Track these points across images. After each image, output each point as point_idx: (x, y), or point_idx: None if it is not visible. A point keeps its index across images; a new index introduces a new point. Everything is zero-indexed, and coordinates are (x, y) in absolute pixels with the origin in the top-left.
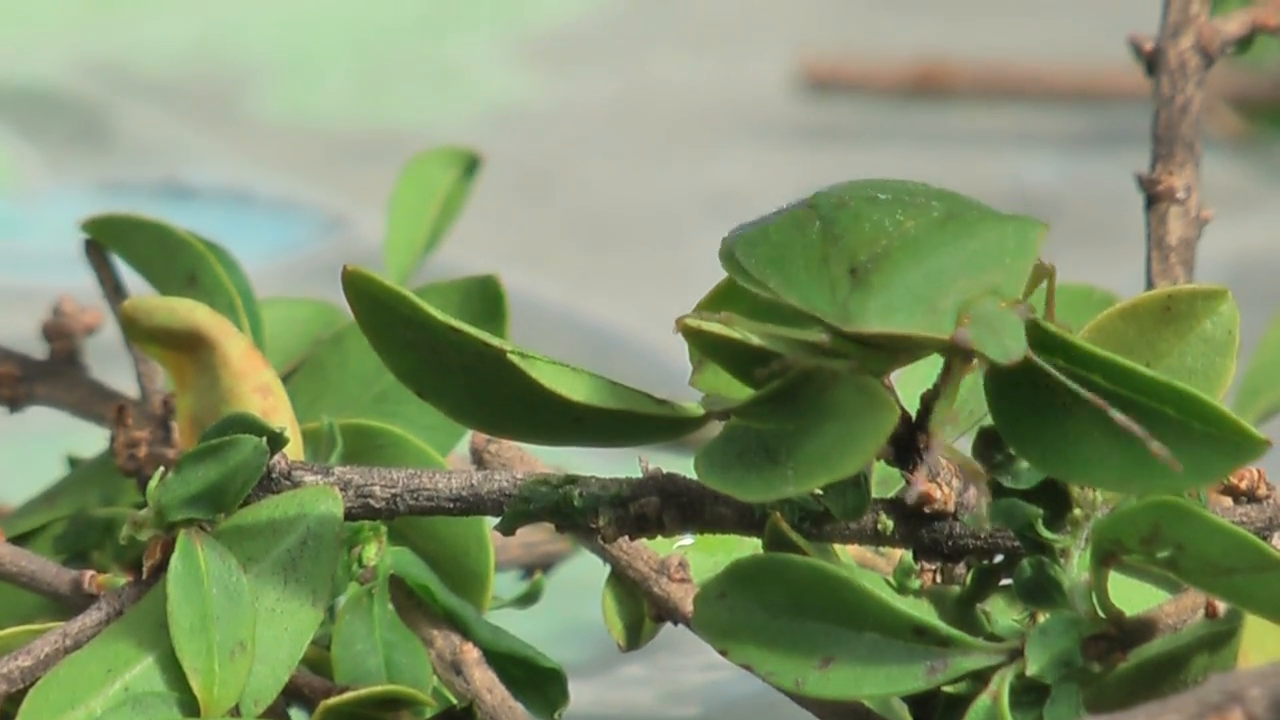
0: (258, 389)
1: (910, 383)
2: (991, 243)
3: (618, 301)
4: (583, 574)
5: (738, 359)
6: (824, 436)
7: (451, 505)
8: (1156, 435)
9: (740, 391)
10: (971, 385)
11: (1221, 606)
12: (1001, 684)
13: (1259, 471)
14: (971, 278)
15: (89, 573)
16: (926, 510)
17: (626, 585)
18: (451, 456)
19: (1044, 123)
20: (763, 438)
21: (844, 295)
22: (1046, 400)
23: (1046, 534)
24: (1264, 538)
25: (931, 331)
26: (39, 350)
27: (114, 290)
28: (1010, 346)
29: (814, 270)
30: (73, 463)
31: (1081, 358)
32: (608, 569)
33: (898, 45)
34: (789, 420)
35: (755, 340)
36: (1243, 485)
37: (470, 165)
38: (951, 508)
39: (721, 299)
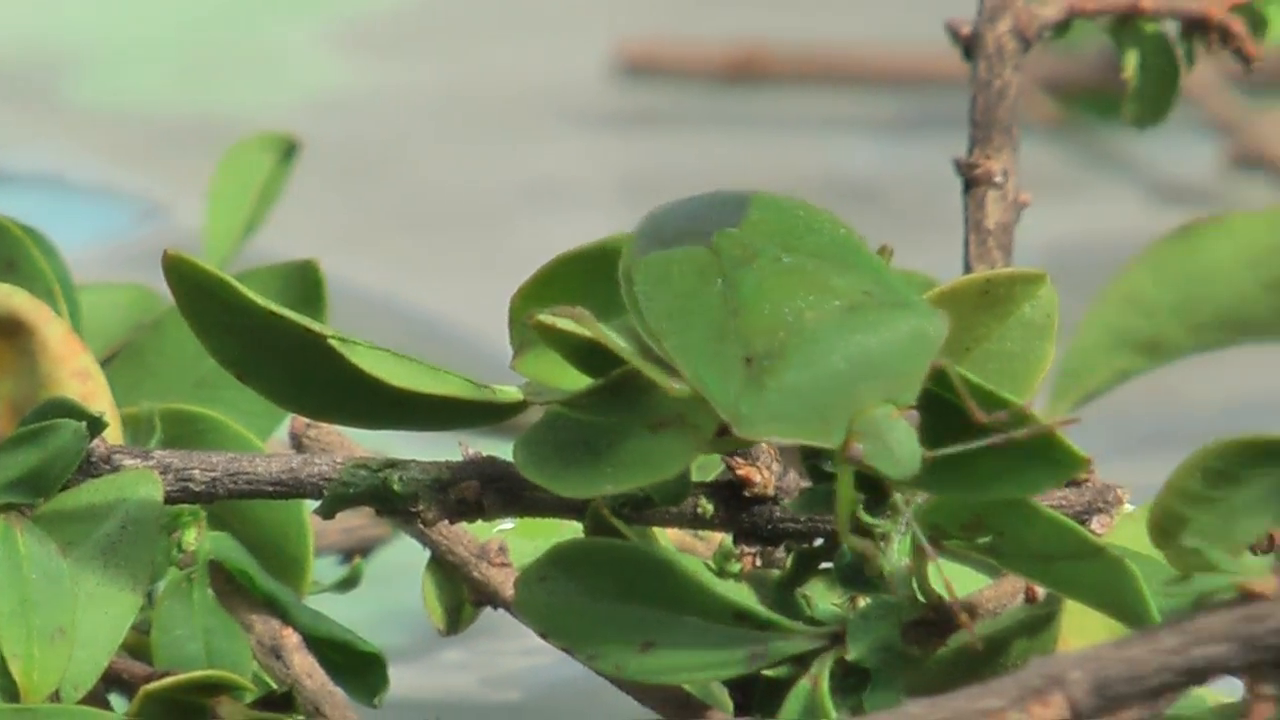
0: (76, 374)
1: None
2: (890, 342)
3: (437, 287)
4: (402, 559)
5: (581, 355)
6: (644, 439)
7: (271, 489)
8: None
9: (561, 378)
10: None
11: (1041, 591)
12: (822, 669)
13: None
14: (866, 383)
15: None
16: (746, 494)
17: (446, 570)
18: (272, 441)
19: (861, 107)
20: (583, 430)
21: (737, 389)
22: None
23: (867, 519)
24: (1083, 522)
25: (821, 443)
26: None
27: None
28: (903, 461)
29: (711, 345)
30: None
31: None
32: (427, 554)
33: (716, 31)
34: (612, 414)
35: (610, 343)
36: None
37: (288, 151)
38: (771, 491)
39: (545, 283)
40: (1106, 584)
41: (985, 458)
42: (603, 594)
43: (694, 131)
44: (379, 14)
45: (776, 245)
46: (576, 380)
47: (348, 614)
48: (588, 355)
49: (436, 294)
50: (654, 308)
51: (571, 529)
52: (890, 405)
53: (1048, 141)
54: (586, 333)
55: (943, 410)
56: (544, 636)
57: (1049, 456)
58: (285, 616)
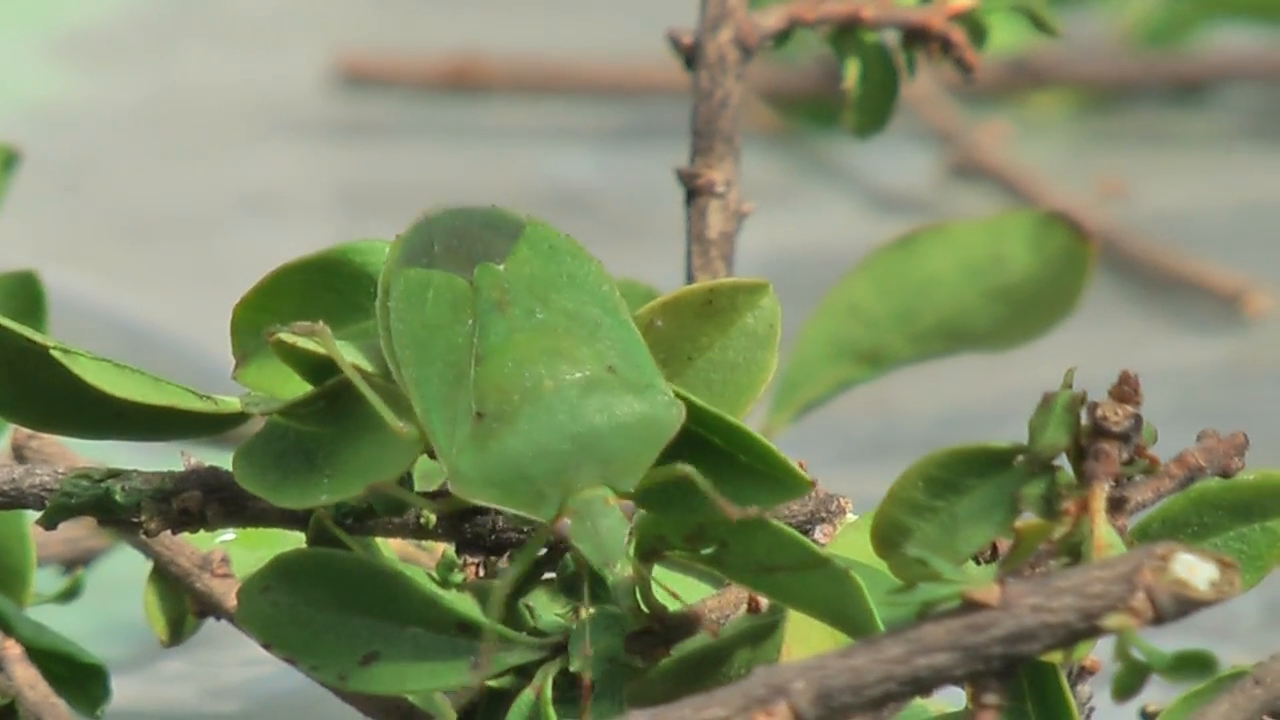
0: None
1: None
2: (620, 428)
3: (155, 299)
4: (123, 570)
5: (314, 370)
6: (361, 445)
7: None
8: (700, 463)
9: (283, 388)
10: None
11: (764, 601)
12: (545, 679)
13: (800, 464)
14: (587, 466)
15: None
16: (469, 505)
17: (168, 581)
18: None
19: (579, 117)
20: (302, 440)
21: (459, 443)
22: None
23: None
24: (806, 531)
25: (531, 514)
26: None
27: None
28: (608, 549)
29: (447, 388)
30: None
31: None
32: (150, 565)
33: (433, 40)
34: (329, 424)
35: (345, 367)
36: None
37: (7, 161)
38: None
39: (267, 293)
40: (830, 595)
41: (709, 476)
42: (324, 605)
43: (412, 141)
44: (93, 24)
45: (534, 296)
46: (299, 390)
47: (69, 625)
48: (320, 370)
49: (155, 305)
50: (402, 330)
51: (295, 539)
52: (607, 490)
53: (766, 151)
54: (323, 351)
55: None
56: (267, 647)
57: (773, 478)
58: (7, 628)
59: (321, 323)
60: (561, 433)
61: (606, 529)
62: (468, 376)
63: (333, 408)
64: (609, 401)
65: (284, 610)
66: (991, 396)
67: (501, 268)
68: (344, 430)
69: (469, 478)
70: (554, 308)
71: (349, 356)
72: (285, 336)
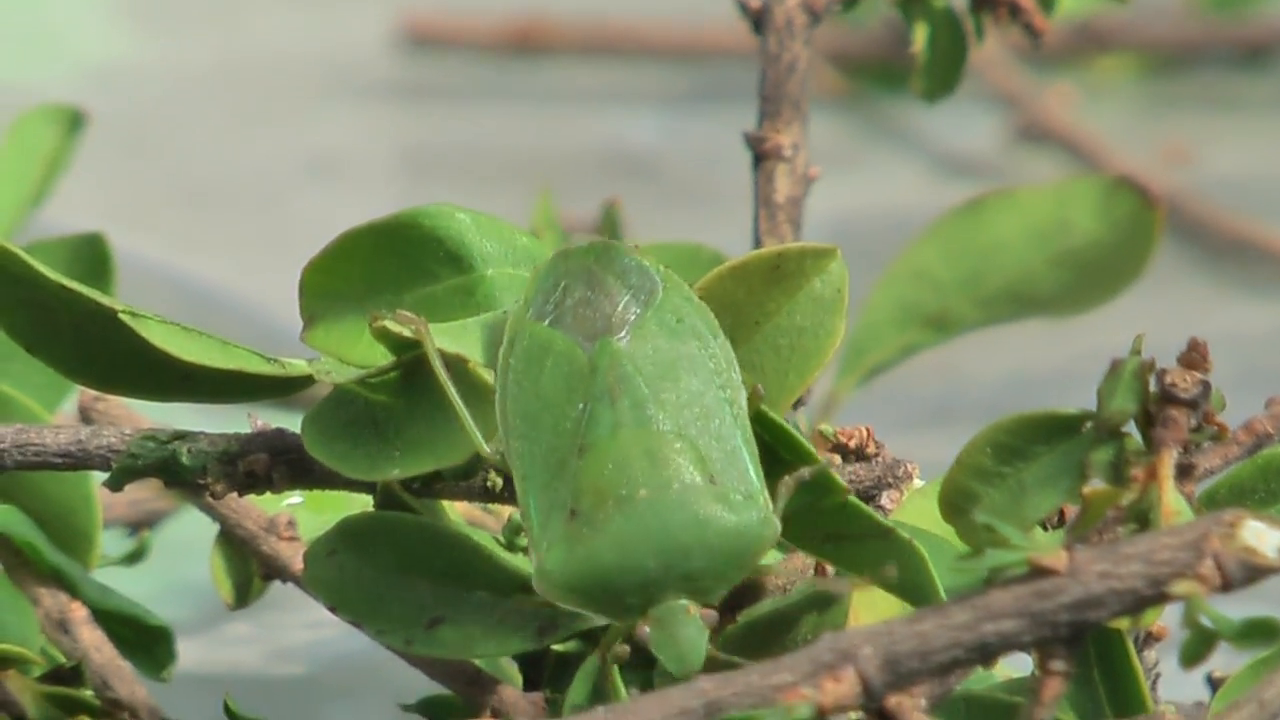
0: None
1: None
2: (710, 546)
3: (221, 261)
4: (189, 532)
5: (396, 345)
6: (435, 422)
7: (59, 461)
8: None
9: (351, 351)
10: None
11: (830, 567)
12: (611, 644)
13: (867, 429)
14: (673, 583)
15: None
16: None
17: (235, 544)
18: (59, 414)
19: (644, 80)
20: (372, 409)
21: (550, 538)
22: None
23: None
24: (872, 496)
25: (612, 620)
26: None
27: None
28: (687, 659)
29: (548, 474)
30: None
31: None
32: (215, 527)
33: (498, 2)
34: (401, 396)
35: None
36: (852, 444)
37: (74, 123)
38: None
39: (336, 257)
40: (895, 566)
41: None
42: (390, 568)
43: (476, 103)
44: None
45: (649, 385)
46: (366, 355)
47: (135, 588)
48: (401, 344)
49: (220, 267)
50: (518, 395)
51: (361, 502)
52: (689, 602)
53: (834, 115)
54: (410, 338)
55: None
56: (332, 610)
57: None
58: (73, 590)
59: (423, 318)
60: (650, 547)
61: (686, 639)
62: (569, 467)
63: (408, 381)
64: (703, 518)
65: (350, 574)
66: (1058, 362)
67: (625, 342)
68: (417, 405)
69: (554, 580)
70: (665, 402)
71: (444, 344)
72: (389, 324)
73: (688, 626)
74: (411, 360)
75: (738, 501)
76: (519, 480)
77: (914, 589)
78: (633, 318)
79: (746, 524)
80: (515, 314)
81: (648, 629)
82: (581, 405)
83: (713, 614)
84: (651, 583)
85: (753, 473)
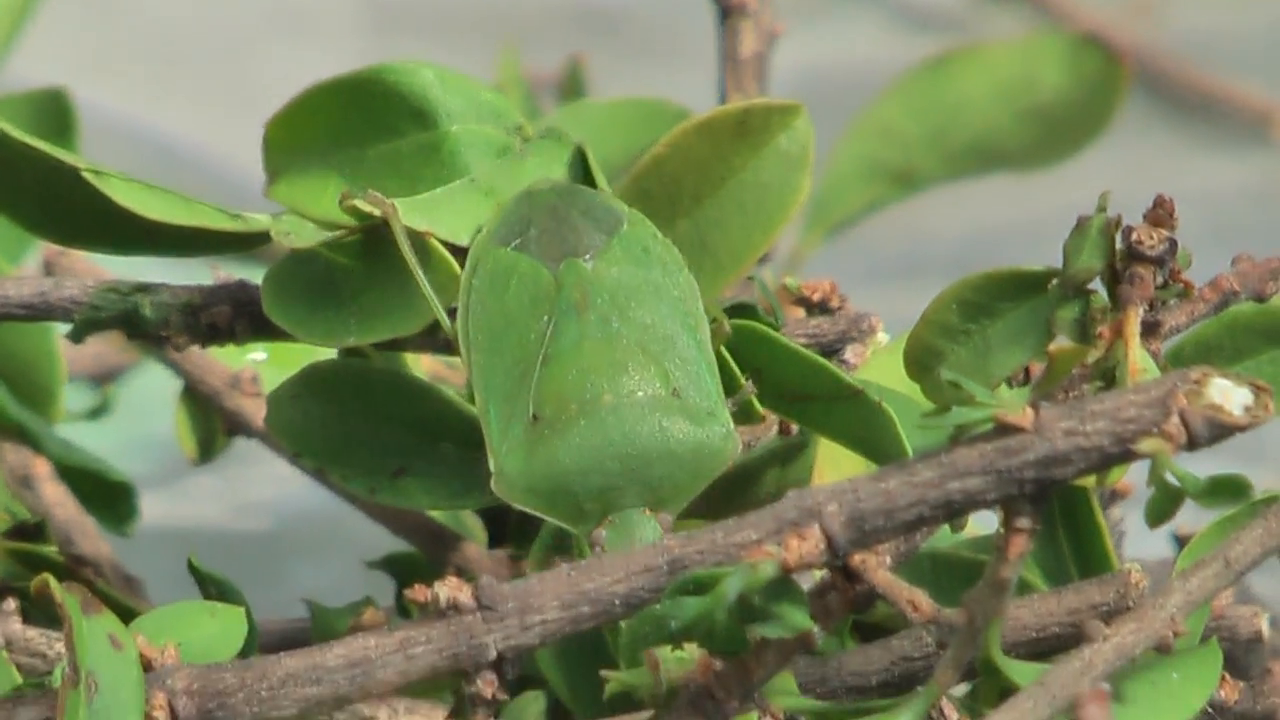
0: None
1: None
2: (673, 456)
3: (185, 115)
4: (152, 386)
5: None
6: (390, 290)
7: (22, 312)
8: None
9: (314, 205)
10: None
11: (795, 426)
12: None
13: (831, 284)
14: (632, 489)
15: None
16: None
17: (199, 399)
18: (23, 267)
19: None
20: (332, 271)
21: (510, 443)
22: None
23: None
24: (836, 350)
25: (567, 526)
26: None
27: None
28: None
29: (510, 383)
30: None
31: None
32: (179, 382)
33: None
34: (361, 259)
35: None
36: (816, 297)
37: None
38: None
39: (300, 111)
40: (862, 426)
41: None
42: (356, 415)
43: None
44: None
45: (615, 303)
46: (330, 210)
47: (97, 443)
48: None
49: (185, 121)
50: (480, 314)
51: (326, 357)
52: (646, 507)
53: None
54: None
55: None
56: (296, 456)
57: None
58: (36, 445)
59: (393, 202)
60: (612, 452)
61: (641, 540)
62: (531, 375)
63: (369, 245)
64: (665, 426)
65: (314, 418)
66: (1024, 218)
67: (590, 264)
68: (375, 270)
69: (512, 482)
70: (631, 319)
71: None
72: (358, 203)
73: (643, 528)
74: (373, 226)
75: (702, 415)
76: (479, 392)
77: (882, 450)
78: (599, 244)
79: (710, 436)
80: (479, 241)
81: (604, 531)
82: (546, 318)
83: (668, 518)
84: (611, 488)
85: (716, 393)
